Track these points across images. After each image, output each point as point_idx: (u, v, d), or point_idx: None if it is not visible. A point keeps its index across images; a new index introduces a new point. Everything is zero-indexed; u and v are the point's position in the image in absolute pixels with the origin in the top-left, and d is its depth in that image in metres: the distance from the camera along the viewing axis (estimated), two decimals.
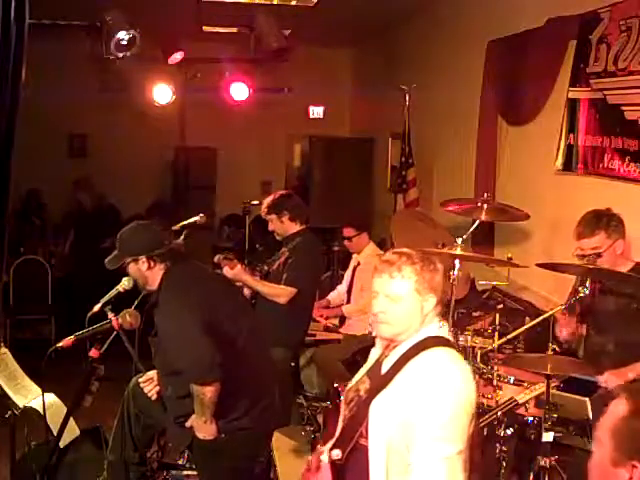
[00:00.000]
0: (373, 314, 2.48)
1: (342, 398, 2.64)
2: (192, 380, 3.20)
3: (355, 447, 2.37)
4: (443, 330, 2.48)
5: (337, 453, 2.37)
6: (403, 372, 2.36)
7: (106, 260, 3.48)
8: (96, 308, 3.36)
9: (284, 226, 4.83)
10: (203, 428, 3.25)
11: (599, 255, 3.46)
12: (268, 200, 4.89)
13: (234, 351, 3.34)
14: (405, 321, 2.42)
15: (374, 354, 2.61)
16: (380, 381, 2.42)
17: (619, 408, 1.64)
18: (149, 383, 3.61)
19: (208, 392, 3.17)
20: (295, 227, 4.83)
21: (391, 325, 2.44)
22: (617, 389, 1.80)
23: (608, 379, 3.30)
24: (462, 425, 2.25)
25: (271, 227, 4.87)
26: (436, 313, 2.47)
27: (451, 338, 2.54)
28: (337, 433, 2.49)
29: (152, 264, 3.38)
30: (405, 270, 2.41)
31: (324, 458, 2.41)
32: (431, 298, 2.43)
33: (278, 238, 4.92)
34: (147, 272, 3.40)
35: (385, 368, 2.44)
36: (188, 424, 3.33)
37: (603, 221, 3.53)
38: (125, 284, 3.45)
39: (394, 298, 2.41)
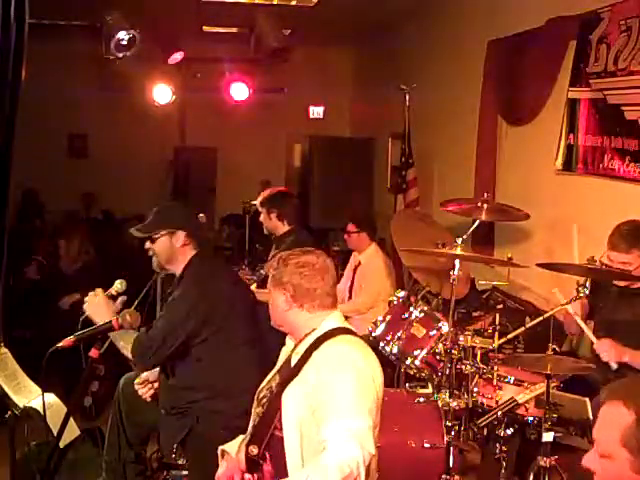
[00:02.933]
0: None
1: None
2: (132, 352, 3.23)
3: (271, 439, 2.44)
4: (344, 320, 2.62)
5: (254, 449, 2.45)
6: (310, 362, 2.46)
7: (134, 228, 3.41)
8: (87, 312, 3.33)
9: (271, 223, 4.91)
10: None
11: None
12: (265, 193, 4.97)
13: (235, 352, 3.33)
14: (276, 315, 2.62)
15: (284, 352, 2.71)
16: (289, 373, 2.52)
17: (623, 418, 1.59)
18: (144, 385, 3.59)
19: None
20: (283, 227, 4.88)
21: (272, 317, 2.66)
22: (609, 395, 1.69)
23: (603, 344, 3.29)
24: (368, 403, 2.30)
25: (261, 219, 4.96)
26: (326, 304, 2.56)
27: (352, 327, 2.64)
28: (250, 430, 2.59)
29: (187, 241, 3.34)
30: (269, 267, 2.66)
31: (241, 455, 2.50)
32: (287, 294, 2.54)
33: (266, 232, 4.98)
34: (179, 249, 3.34)
35: (294, 361, 2.54)
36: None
37: None
38: (118, 287, 3.36)
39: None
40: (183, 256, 3.37)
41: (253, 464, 2.47)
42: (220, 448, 2.67)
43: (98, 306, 3.19)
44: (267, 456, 2.46)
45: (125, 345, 3.25)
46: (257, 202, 4.98)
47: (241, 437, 2.65)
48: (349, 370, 2.33)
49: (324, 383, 2.33)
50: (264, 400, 2.61)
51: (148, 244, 3.41)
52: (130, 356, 3.27)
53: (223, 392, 3.28)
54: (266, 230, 4.99)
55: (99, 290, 3.26)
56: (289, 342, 2.69)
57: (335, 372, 2.34)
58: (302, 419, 2.38)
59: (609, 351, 3.28)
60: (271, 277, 2.60)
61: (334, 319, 2.58)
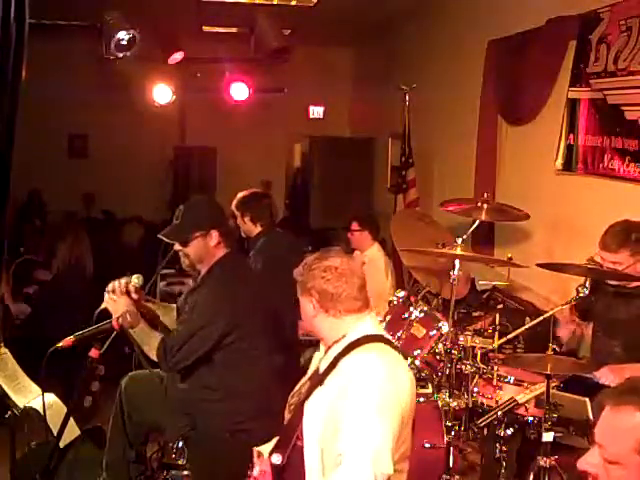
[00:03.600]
0: None
1: None
2: (157, 355, 3.20)
3: (293, 448, 2.39)
4: (377, 325, 2.53)
5: (277, 458, 2.40)
6: (335, 370, 2.39)
7: (164, 233, 3.30)
8: (103, 306, 3.29)
9: (246, 226, 4.90)
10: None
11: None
12: (239, 196, 4.94)
13: (256, 356, 3.31)
14: (306, 321, 2.56)
15: (317, 357, 2.63)
16: (315, 381, 2.46)
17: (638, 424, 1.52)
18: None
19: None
20: (256, 229, 4.86)
21: (305, 324, 2.62)
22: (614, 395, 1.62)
23: (603, 374, 3.29)
24: (390, 418, 2.22)
25: (237, 222, 4.94)
26: (353, 308, 2.46)
27: (387, 334, 2.57)
28: (278, 437, 2.53)
29: (220, 240, 3.28)
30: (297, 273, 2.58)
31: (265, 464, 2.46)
32: (313, 300, 2.48)
33: (243, 235, 4.96)
34: (213, 249, 3.28)
35: (322, 368, 2.48)
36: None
37: (631, 238, 3.38)
38: (135, 282, 3.24)
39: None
40: (215, 255, 3.31)
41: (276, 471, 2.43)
42: (255, 450, 2.61)
43: (118, 304, 3.15)
44: (251, 467, 2.44)
45: (150, 350, 3.22)
46: (232, 206, 4.96)
47: (276, 439, 2.59)
48: (372, 382, 2.25)
49: (346, 394, 2.26)
50: (292, 407, 2.55)
51: (178, 247, 3.32)
52: (155, 359, 3.22)
53: (236, 395, 3.26)
54: (243, 233, 4.96)
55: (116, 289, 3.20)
56: (322, 348, 2.60)
57: (358, 383, 2.26)
58: (322, 429, 2.31)
59: (610, 376, 3.27)
60: (298, 284, 2.54)
61: (367, 325, 2.47)
